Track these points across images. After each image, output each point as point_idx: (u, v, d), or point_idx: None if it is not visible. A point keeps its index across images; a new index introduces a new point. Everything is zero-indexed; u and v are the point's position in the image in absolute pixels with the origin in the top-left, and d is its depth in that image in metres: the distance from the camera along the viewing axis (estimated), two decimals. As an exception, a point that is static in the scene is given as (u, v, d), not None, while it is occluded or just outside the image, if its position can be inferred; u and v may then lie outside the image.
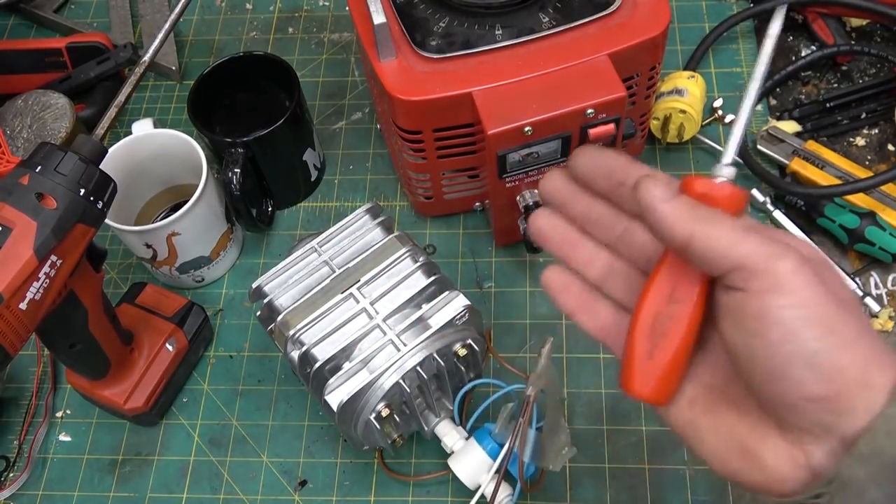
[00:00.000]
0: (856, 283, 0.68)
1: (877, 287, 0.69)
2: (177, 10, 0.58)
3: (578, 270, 0.41)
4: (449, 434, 0.59)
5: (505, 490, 0.56)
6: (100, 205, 0.52)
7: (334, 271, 0.59)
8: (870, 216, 0.68)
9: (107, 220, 0.56)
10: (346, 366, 0.55)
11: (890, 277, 0.69)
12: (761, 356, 0.33)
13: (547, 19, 0.62)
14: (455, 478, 0.58)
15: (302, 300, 0.58)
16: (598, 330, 0.40)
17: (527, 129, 0.58)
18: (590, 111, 0.58)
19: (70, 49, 0.82)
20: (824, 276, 0.33)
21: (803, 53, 0.81)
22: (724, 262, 0.33)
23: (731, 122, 0.33)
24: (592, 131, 0.59)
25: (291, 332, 0.57)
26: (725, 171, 0.36)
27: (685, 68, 0.78)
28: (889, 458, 0.31)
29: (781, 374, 0.32)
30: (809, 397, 0.32)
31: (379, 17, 0.58)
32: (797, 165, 0.72)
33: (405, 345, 0.55)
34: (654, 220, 0.35)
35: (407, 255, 0.59)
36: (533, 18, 0.62)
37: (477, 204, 0.73)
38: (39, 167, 0.49)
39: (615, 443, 0.64)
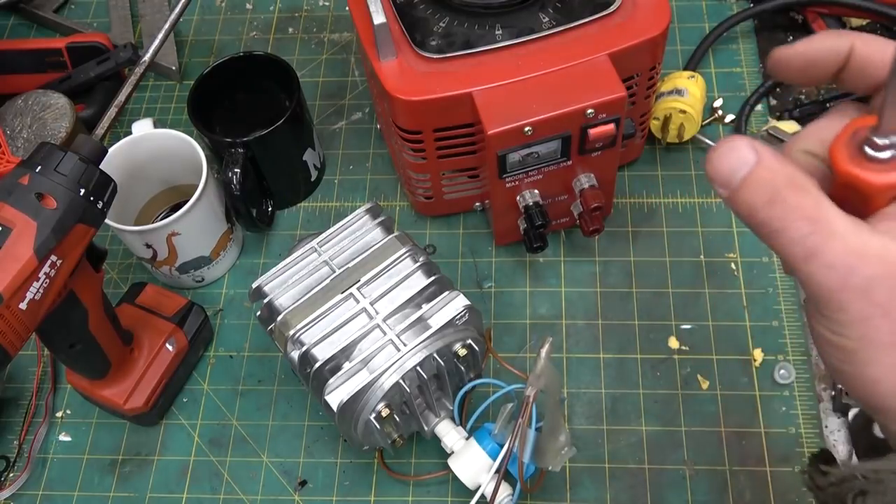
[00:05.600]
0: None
1: (877, 287, 0.69)
2: (177, 10, 0.59)
3: None
4: (449, 434, 0.59)
5: (505, 490, 0.56)
6: (100, 205, 0.52)
7: (334, 271, 0.59)
8: (870, 216, 0.68)
9: (107, 220, 0.56)
10: (346, 366, 0.55)
11: (890, 277, 0.69)
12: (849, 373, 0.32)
13: (547, 19, 0.62)
14: (455, 478, 0.58)
15: (302, 300, 0.58)
16: None
17: (527, 129, 0.58)
18: (590, 111, 0.58)
19: (70, 49, 0.82)
20: None
21: (803, 53, 0.81)
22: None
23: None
24: (592, 131, 0.59)
25: (291, 332, 0.57)
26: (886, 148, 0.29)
27: (685, 68, 0.78)
28: None
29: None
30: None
31: (379, 17, 0.58)
32: (797, 165, 0.72)
33: (405, 345, 0.55)
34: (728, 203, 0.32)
35: (407, 255, 0.59)
36: (533, 18, 0.62)
37: (477, 204, 0.73)
38: (39, 167, 0.49)
39: (615, 443, 0.64)
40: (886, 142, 0.29)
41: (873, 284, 0.29)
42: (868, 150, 0.29)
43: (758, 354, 0.66)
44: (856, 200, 0.31)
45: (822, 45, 0.34)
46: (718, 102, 0.76)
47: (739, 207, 0.32)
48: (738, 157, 0.31)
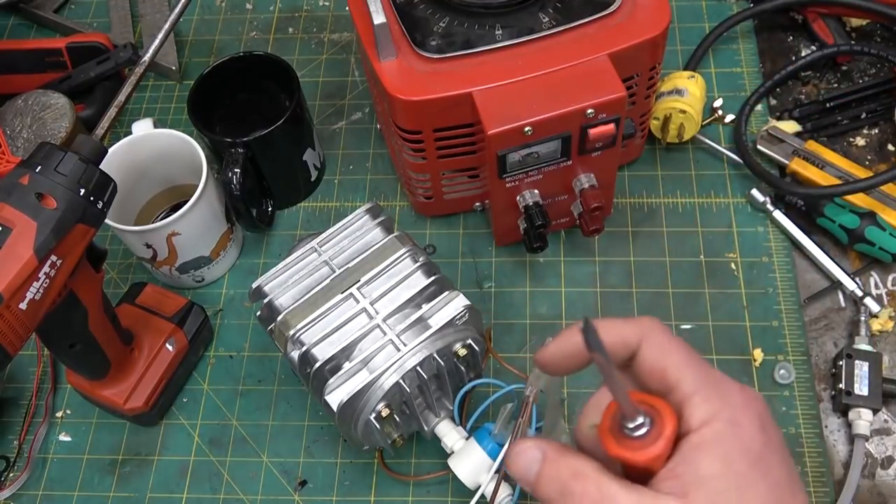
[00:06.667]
0: (856, 283, 0.68)
1: (877, 287, 0.69)
2: (177, 10, 0.58)
3: None
4: (449, 434, 0.59)
5: (505, 490, 0.56)
6: (100, 205, 0.52)
7: (334, 271, 0.59)
8: (870, 216, 0.68)
9: (107, 220, 0.56)
10: (346, 366, 0.55)
11: (890, 277, 0.69)
12: None
13: (547, 19, 0.62)
14: (455, 478, 0.58)
15: (302, 300, 0.58)
16: None
17: (527, 129, 0.58)
18: (590, 111, 0.58)
19: (70, 49, 0.82)
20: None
21: (803, 53, 0.81)
22: None
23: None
24: (592, 131, 0.59)
25: (291, 332, 0.57)
26: (636, 426, 0.34)
27: (685, 68, 0.78)
28: None
29: None
30: None
31: (379, 17, 0.58)
32: (797, 165, 0.72)
33: (405, 345, 0.55)
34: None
35: (407, 255, 0.59)
36: (533, 18, 0.62)
37: (477, 204, 0.73)
38: (39, 167, 0.49)
39: (615, 443, 0.64)
40: (635, 423, 0.34)
41: None
42: (626, 431, 0.34)
43: (758, 354, 0.66)
44: (637, 469, 0.35)
45: (570, 343, 0.39)
46: (718, 102, 0.76)
47: (541, 495, 0.36)
48: (527, 457, 0.37)
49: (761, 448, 0.34)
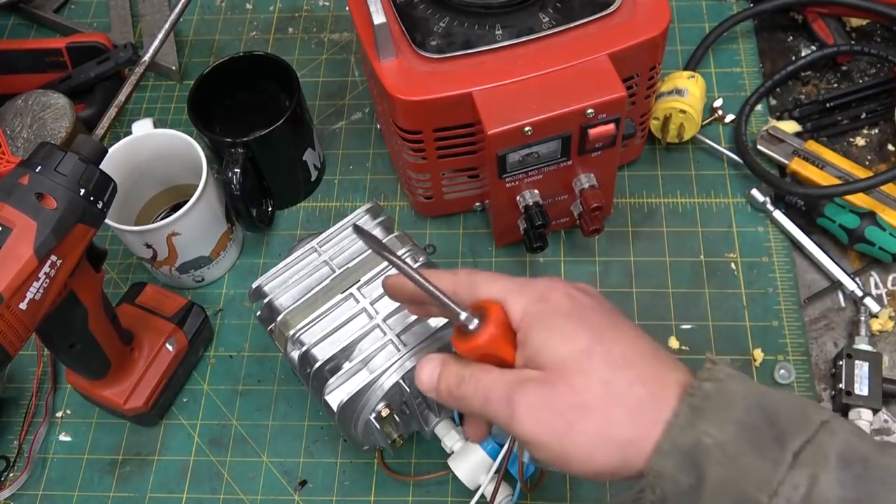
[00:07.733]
0: (856, 283, 0.68)
1: (877, 287, 0.69)
2: (177, 10, 0.58)
3: None
4: (449, 434, 0.59)
5: (505, 490, 0.56)
6: (100, 205, 0.52)
7: (334, 271, 0.59)
8: (870, 216, 0.68)
9: (107, 220, 0.56)
10: (346, 366, 0.55)
11: (890, 277, 0.69)
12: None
13: (547, 19, 0.62)
14: (455, 478, 0.58)
15: (302, 300, 0.58)
16: None
17: (527, 129, 0.58)
18: (590, 111, 0.58)
19: (70, 49, 0.82)
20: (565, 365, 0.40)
21: (803, 53, 0.81)
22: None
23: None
24: (592, 131, 0.59)
25: (291, 332, 0.57)
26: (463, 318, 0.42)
27: (685, 68, 0.78)
28: (686, 447, 0.37)
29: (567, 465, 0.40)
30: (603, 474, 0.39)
31: (379, 17, 0.58)
32: (797, 165, 0.72)
33: (405, 345, 0.55)
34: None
35: (407, 255, 0.59)
36: (533, 18, 0.62)
37: (477, 204, 0.73)
38: (39, 167, 0.49)
39: (615, 443, 0.64)
40: (465, 318, 0.42)
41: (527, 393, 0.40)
42: (465, 331, 0.42)
43: (758, 354, 0.66)
44: (493, 361, 0.42)
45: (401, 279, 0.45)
46: (718, 102, 0.76)
47: (441, 394, 0.43)
48: (429, 370, 0.44)
49: (570, 307, 0.41)
